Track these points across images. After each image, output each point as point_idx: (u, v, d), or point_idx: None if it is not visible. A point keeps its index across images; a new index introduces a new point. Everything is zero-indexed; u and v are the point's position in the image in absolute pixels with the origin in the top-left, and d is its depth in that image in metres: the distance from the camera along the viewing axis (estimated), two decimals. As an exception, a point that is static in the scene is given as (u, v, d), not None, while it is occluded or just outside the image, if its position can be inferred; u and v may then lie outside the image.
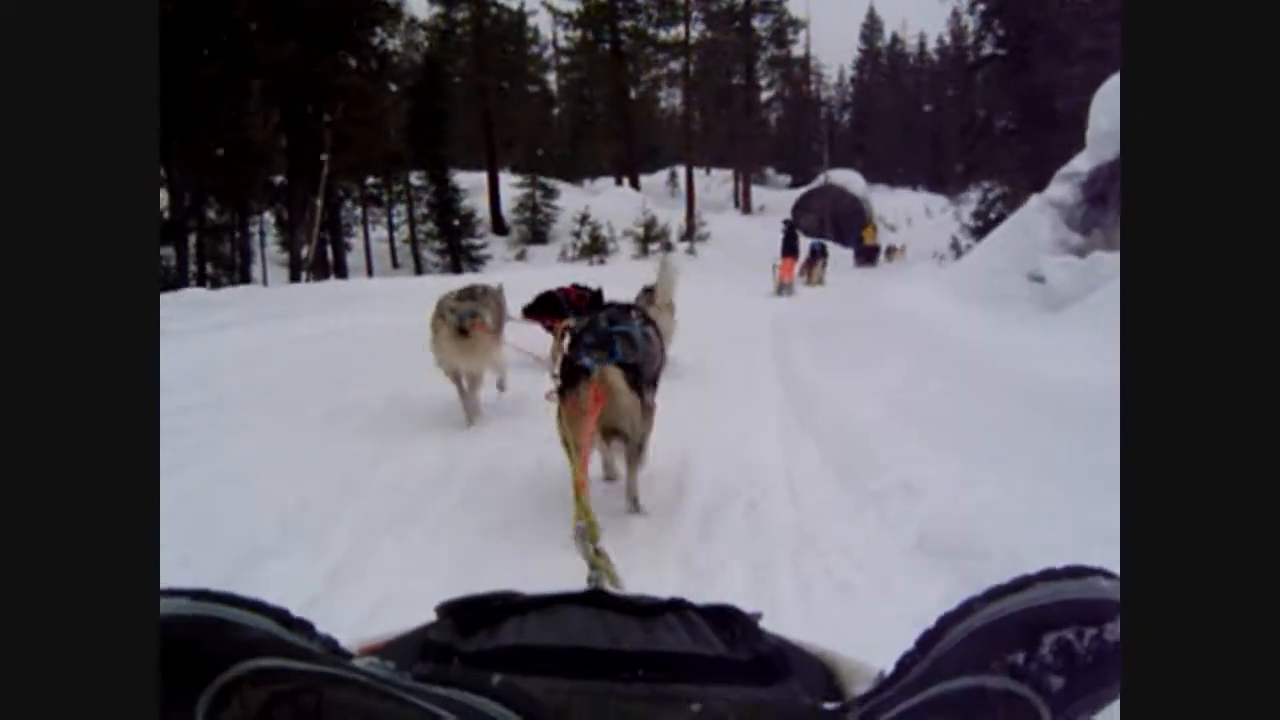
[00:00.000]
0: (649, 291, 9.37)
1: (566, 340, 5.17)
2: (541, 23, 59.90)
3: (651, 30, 50.16)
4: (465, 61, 46.44)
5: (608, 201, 42.24)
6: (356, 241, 39.61)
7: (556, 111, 58.72)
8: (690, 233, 40.40)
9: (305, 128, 29.52)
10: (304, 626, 0.87)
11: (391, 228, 42.19)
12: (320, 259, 31.34)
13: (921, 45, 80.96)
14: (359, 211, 40.29)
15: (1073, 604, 0.83)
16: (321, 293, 17.29)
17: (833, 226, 42.63)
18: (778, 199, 53.19)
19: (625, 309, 5.43)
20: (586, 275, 12.60)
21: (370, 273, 36.84)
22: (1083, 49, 28.39)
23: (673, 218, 40.83)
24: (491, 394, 7.47)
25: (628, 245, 36.61)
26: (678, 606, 1.12)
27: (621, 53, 50.05)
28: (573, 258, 35.33)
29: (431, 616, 1.14)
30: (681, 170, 50.80)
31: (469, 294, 7.25)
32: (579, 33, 51.86)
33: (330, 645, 0.89)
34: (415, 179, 41.09)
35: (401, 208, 41.97)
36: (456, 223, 38.82)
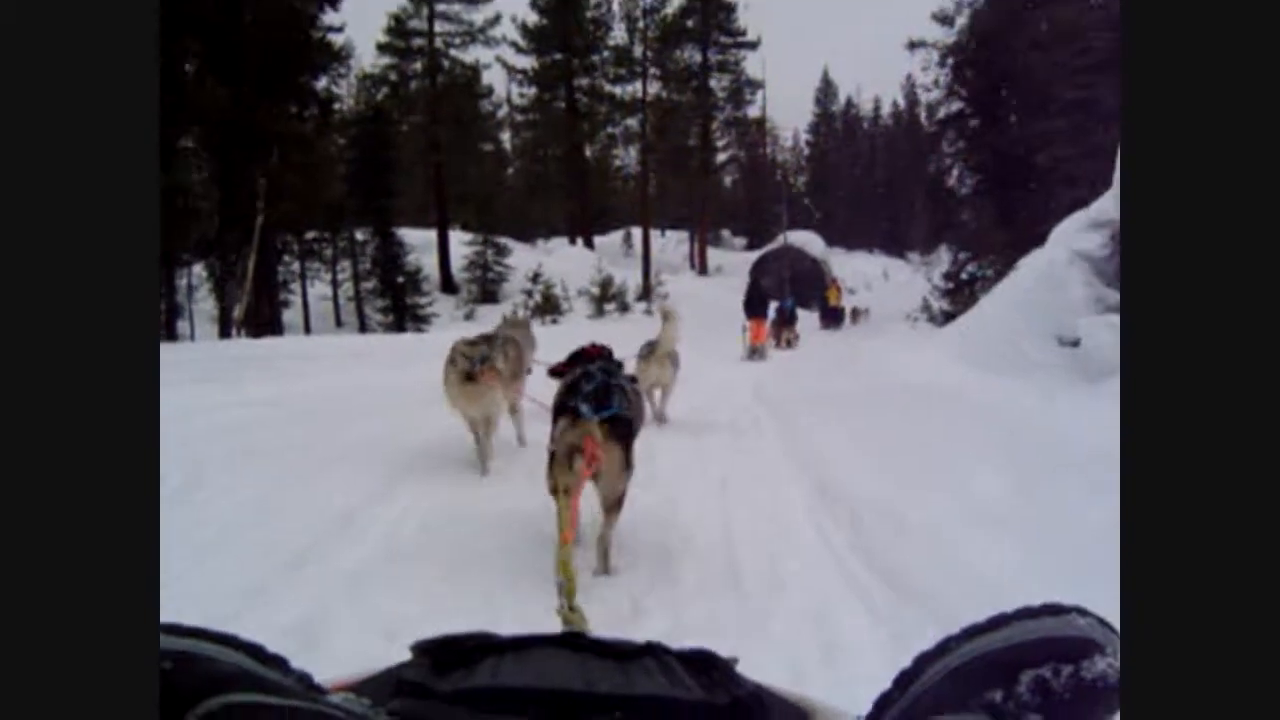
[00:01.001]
0: (651, 345, 9.24)
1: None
2: (496, 79, 57.89)
3: (608, 88, 49.08)
4: (417, 115, 44.45)
5: (561, 261, 40.69)
6: (297, 297, 36.78)
7: (511, 171, 56.79)
8: (648, 293, 38.52)
9: (239, 176, 26.86)
10: (278, 661, 0.84)
11: (335, 284, 39.40)
12: (256, 315, 28.75)
13: (876, 109, 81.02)
14: (297, 266, 37.39)
15: (1050, 641, 0.81)
16: (252, 352, 14.87)
17: (792, 288, 40.55)
18: (734, 261, 52.18)
19: (616, 362, 5.40)
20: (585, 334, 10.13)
21: (308, 330, 34.10)
22: (1063, 101, 26.65)
23: (628, 278, 39.13)
24: (509, 443, 7.56)
25: (582, 305, 34.44)
26: (654, 650, 1.10)
27: (577, 110, 48.91)
28: (524, 318, 32.85)
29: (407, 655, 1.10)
30: (636, 231, 49.86)
31: (486, 338, 7.24)
32: (534, 90, 50.54)
33: (305, 681, 0.85)
34: (361, 234, 38.81)
35: (346, 263, 39.33)
36: (401, 279, 36.25)
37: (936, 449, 7.08)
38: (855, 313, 36.20)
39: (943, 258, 31.84)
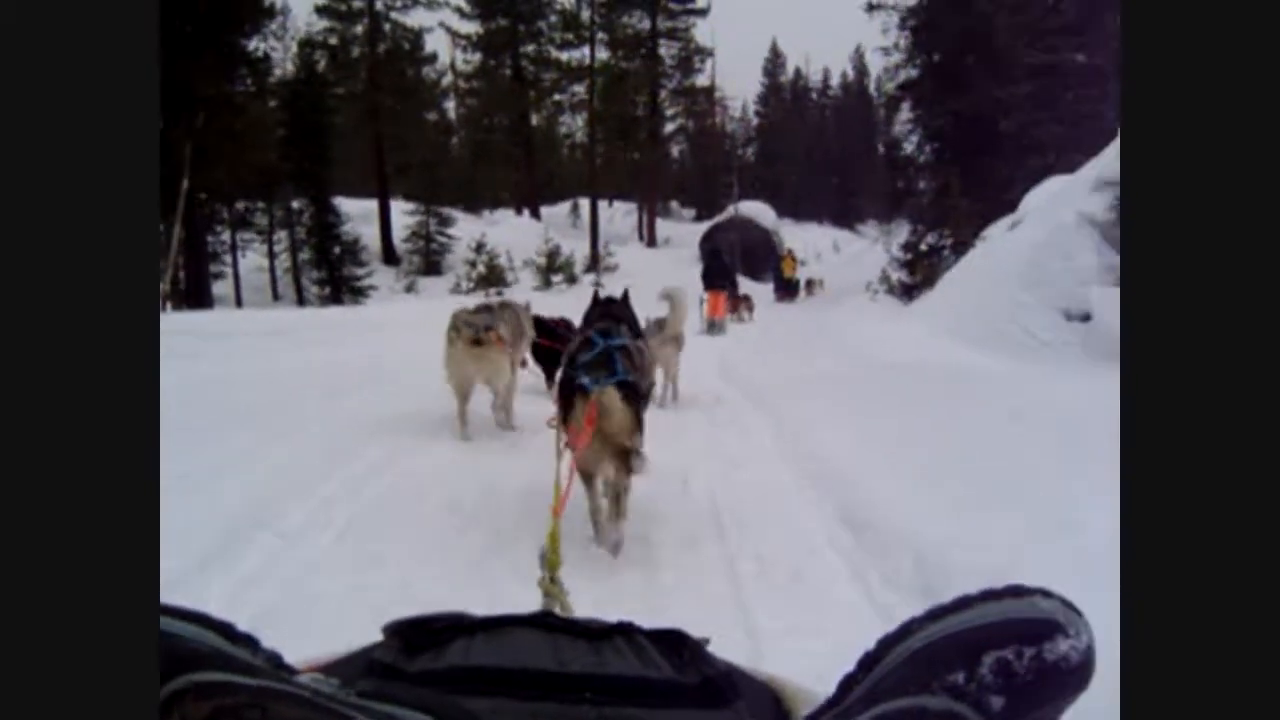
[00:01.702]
0: (660, 323, 8.89)
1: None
2: (440, 45, 55.77)
3: (555, 53, 47.37)
4: (357, 81, 41.94)
5: (507, 231, 38.75)
6: (230, 269, 34.52)
7: (456, 140, 54.65)
8: (596, 264, 36.82)
9: (161, 139, 24.61)
10: (248, 641, 0.86)
11: (272, 255, 37.06)
12: (184, 287, 26.67)
13: (825, 80, 79.78)
14: (227, 237, 35.00)
15: (1012, 623, 0.82)
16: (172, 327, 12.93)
17: (743, 259, 38.95)
18: (683, 231, 50.91)
19: (616, 322, 5.07)
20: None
21: (240, 303, 31.94)
22: (1029, 65, 25.25)
23: (576, 249, 37.40)
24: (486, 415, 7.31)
25: (528, 276, 32.56)
26: (626, 630, 1.10)
27: (523, 78, 47.33)
28: (468, 289, 31.07)
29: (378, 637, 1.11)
30: (584, 202, 48.18)
31: (485, 308, 7.37)
32: (479, 56, 48.81)
33: (274, 660, 0.87)
34: (298, 204, 36.50)
35: (284, 234, 37.03)
36: (338, 250, 34.09)
37: (974, 450, 5.49)
38: (810, 284, 34.64)
39: (902, 227, 30.28)
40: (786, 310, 28.00)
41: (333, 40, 41.55)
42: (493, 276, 31.45)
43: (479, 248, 32.42)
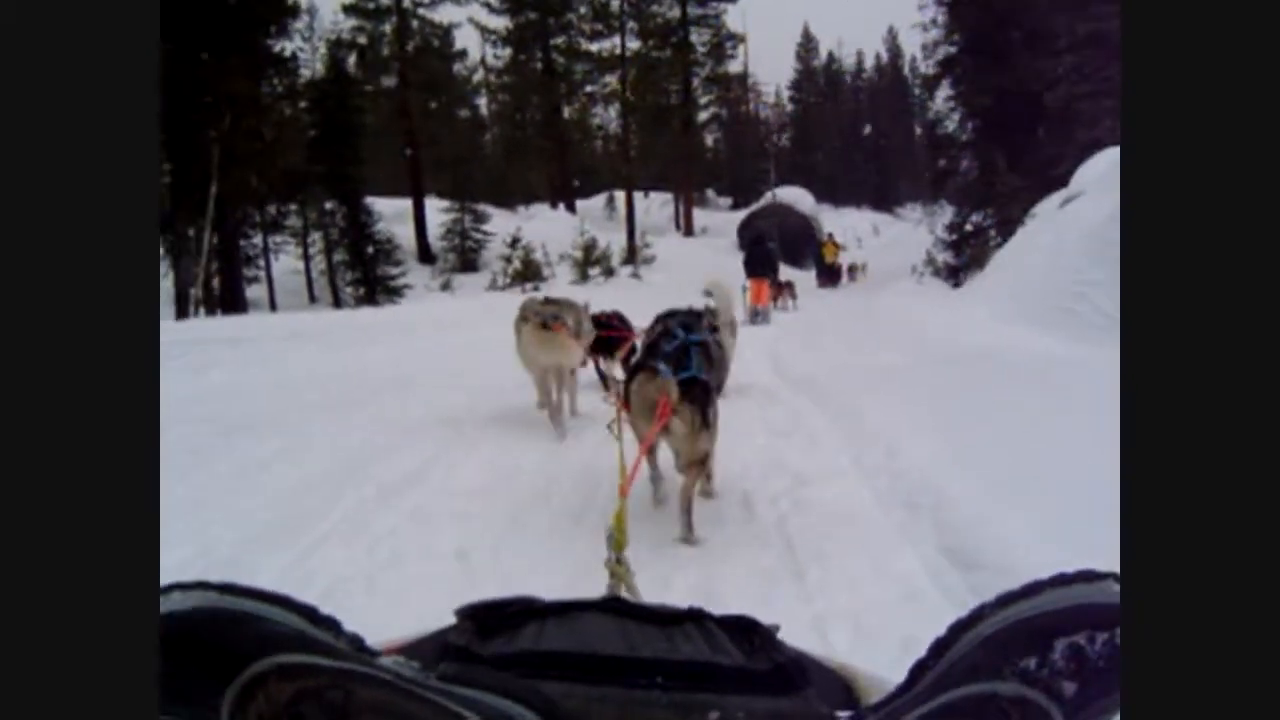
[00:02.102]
0: (711, 313, 7.93)
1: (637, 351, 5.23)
2: (470, 42, 55.06)
3: (585, 45, 46.39)
4: (387, 79, 41.25)
5: (542, 225, 37.96)
6: (263, 273, 33.90)
7: (489, 137, 53.89)
8: (633, 256, 35.73)
9: (189, 143, 24.02)
10: (331, 623, 0.84)
11: (307, 257, 36.39)
12: (217, 291, 26.09)
13: (859, 63, 78.45)
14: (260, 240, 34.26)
15: (1085, 609, 0.80)
16: (205, 332, 12.44)
17: (782, 246, 37.95)
18: (720, 220, 50.02)
19: (696, 315, 5.21)
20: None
21: (274, 307, 31.27)
22: (1073, 36, 24.07)
23: (612, 241, 36.38)
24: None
25: (565, 270, 31.72)
26: (697, 616, 1.10)
27: (554, 71, 46.40)
28: (504, 285, 30.31)
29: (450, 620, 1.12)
30: (619, 194, 47.46)
31: (552, 302, 7.47)
32: (509, 51, 47.92)
33: (356, 643, 0.85)
34: (332, 205, 35.56)
35: (317, 235, 36.31)
36: (371, 250, 33.34)
37: (1085, 461, 4.51)
38: (852, 269, 33.60)
39: (945, 209, 29.20)
40: (830, 296, 27.00)
41: (361, 39, 40.72)
42: (529, 271, 30.64)
43: (514, 242, 31.64)
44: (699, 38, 47.98)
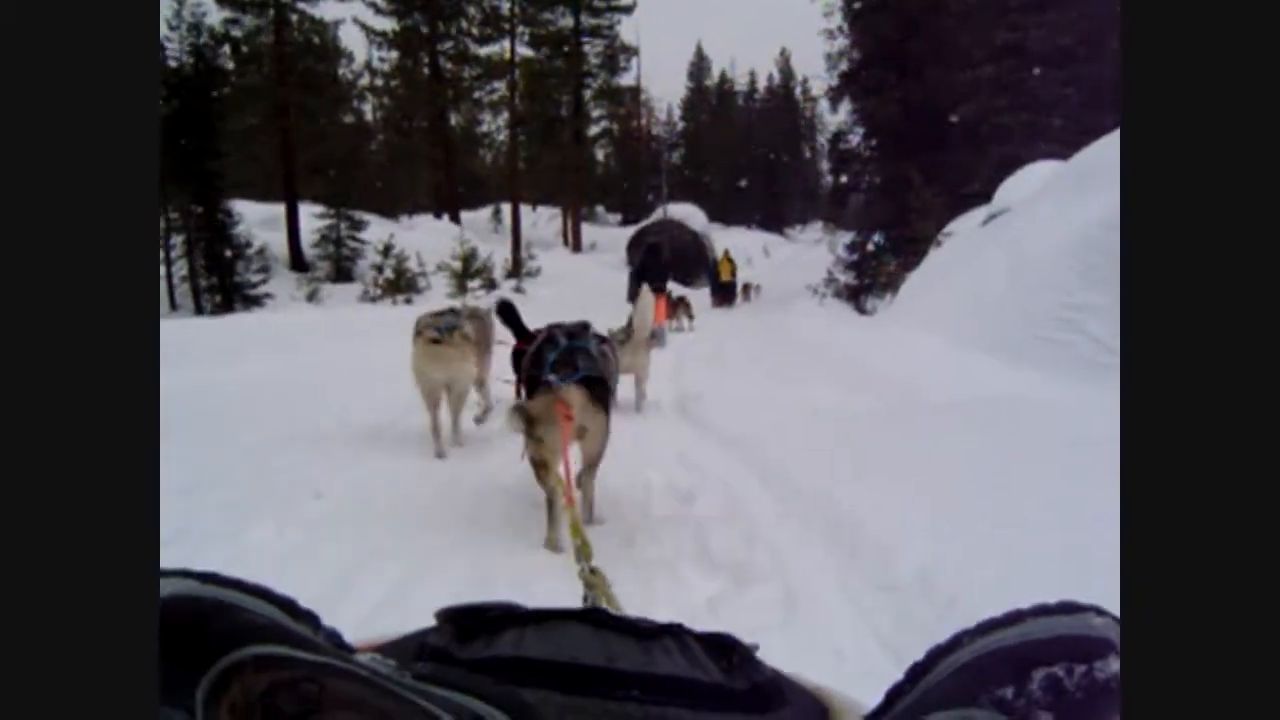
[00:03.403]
0: (627, 329, 8.69)
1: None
2: (356, 45, 51.83)
3: (474, 48, 43.74)
4: (260, 74, 37.58)
5: (423, 236, 35.02)
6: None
7: (374, 146, 50.44)
8: (517, 269, 32.85)
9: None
10: (309, 617, 0.82)
11: (168, 260, 32.45)
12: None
13: (751, 83, 77.03)
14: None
15: (1064, 640, 0.76)
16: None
17: (673, 263, 35.63)
18: (609, 236, 48.49)
19: (582, 325, 5.19)
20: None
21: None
22: (991, 46, 22.15)
23: (497, 253, 33.89)
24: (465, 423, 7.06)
25: (442, 282, 28.64)
26: (675, 631, 1.07)
27: (441, 76, 43.66)
28: (375, 296, 27.26)
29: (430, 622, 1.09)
30: (507, 206, 44.92)
31: (451, 311, 7.08)
32: (395, 54, 45.11)
33: (334, 638, 0.84)
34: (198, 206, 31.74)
35: (179, 238, 32.40)
36: (229, 254, 29.74)
37: None
38: (746, 288, 31.25)
39: (845, 228, 27.16)
40: (728, 316, 24.33)
41: (236, 31, 37.06)
42: (401, 282, 27.65)
43: (386, 251, 28.57)
44: (592, 48, 46.04)
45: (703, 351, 13.07)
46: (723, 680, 0.95)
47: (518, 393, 7.27)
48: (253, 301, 28.17)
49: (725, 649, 1.01)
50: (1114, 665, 0.73)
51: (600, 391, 4.51)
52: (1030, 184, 13.44)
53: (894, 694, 0.83)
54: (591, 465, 4.73)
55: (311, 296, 28.81)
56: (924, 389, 7.48)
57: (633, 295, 17.81)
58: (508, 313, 7.53)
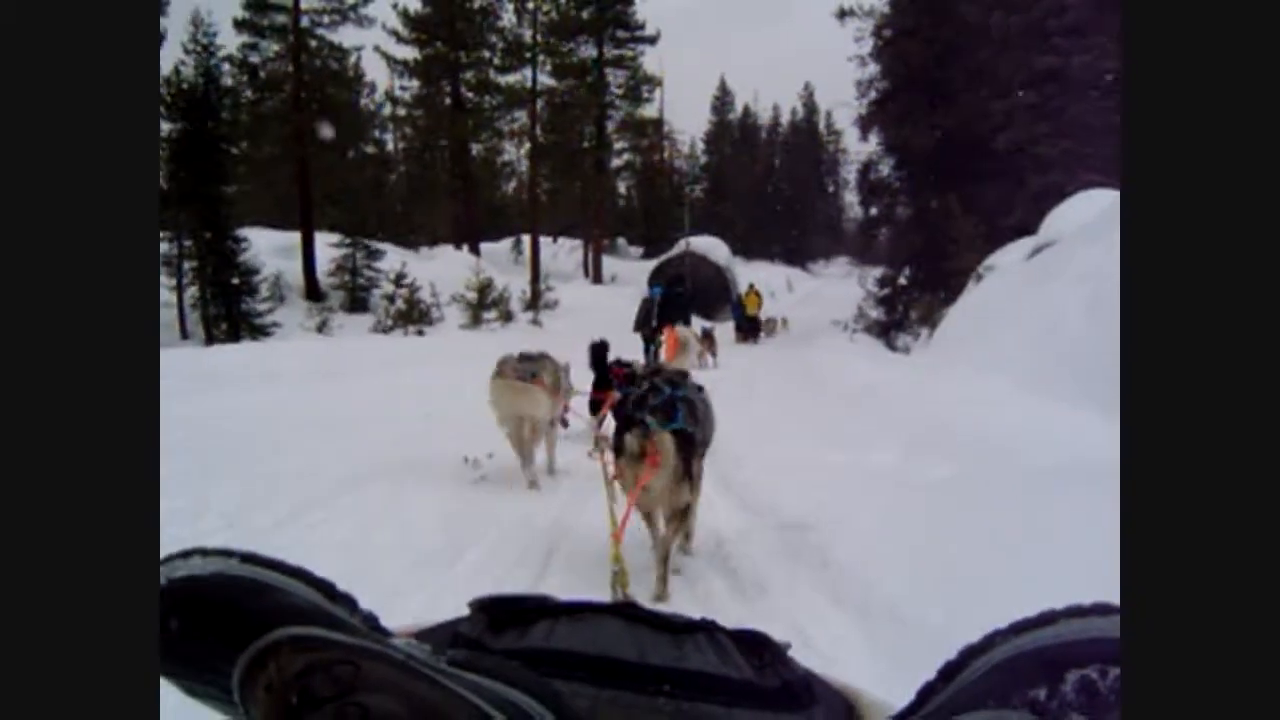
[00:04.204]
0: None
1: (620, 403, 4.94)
2: (378, 74, 50.92)
3: (495, 77, 42.58)
4: (280, 101, 36.30)
5: (442, 266, 33.56)
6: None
7: (394, 177, 49.32)
8: (535, 301, 31.34)
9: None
10: (347, 600, 0.85)
11: (180, 288, 31.08)
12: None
13: (775, 117, 76.28)
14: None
15: (1098, 642, 0.76)
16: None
17: (695, 297, 34.14)
18: (630, 269, 46.94)
19: (682, 373, 5.17)
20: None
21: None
22: (1030, 71, 20.73)
23: (515, 284, 32.59)
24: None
25: (456, 314, 27.26)
26: (708, 628, 1.05)
27: (463, 105, 42.45)
28: (387, 327, 25.90)
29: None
30: (527, 237, 43.92)
31: (528, 357, 7.05)
32: (417, 83, 44.16)
33: (371, 622, 0.85)
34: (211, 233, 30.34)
35: (189, 266, 31.04)
36: (236, 281, 28.34)
37: None
38: (770, 323, 29.67)
39: (876, 261, 25.71)
40: (753, 352, 22.71)
41: (254, 58, 35.92)
42: (414, 313, 26.26)
43: (398, 280, 27.20)
44: (614, 79, 44.89)
45: (732, 393, 11.59)
46: (754, 678, 0.93)
47: (596, 437, 7.59)
48: (259, 331, 26.79)
49: (757, 646, 0.99)
50: None
51: (686, 444, 4.35)
52: (1081, 214, 12.24)
53: (926, 692, 0.82)
54: (670, 521, 4.47)
55: (321, 327, 27.42)
56: (1009, 449, 5.90)
57: (639, 325, 16.49)
58: (598, 354, 7.76)
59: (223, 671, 0.72)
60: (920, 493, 5.03)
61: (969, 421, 6.73)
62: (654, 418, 4.36)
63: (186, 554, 0.79)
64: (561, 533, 5.23)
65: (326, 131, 33.53)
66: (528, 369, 6.67)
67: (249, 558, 0.79)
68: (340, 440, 7.63)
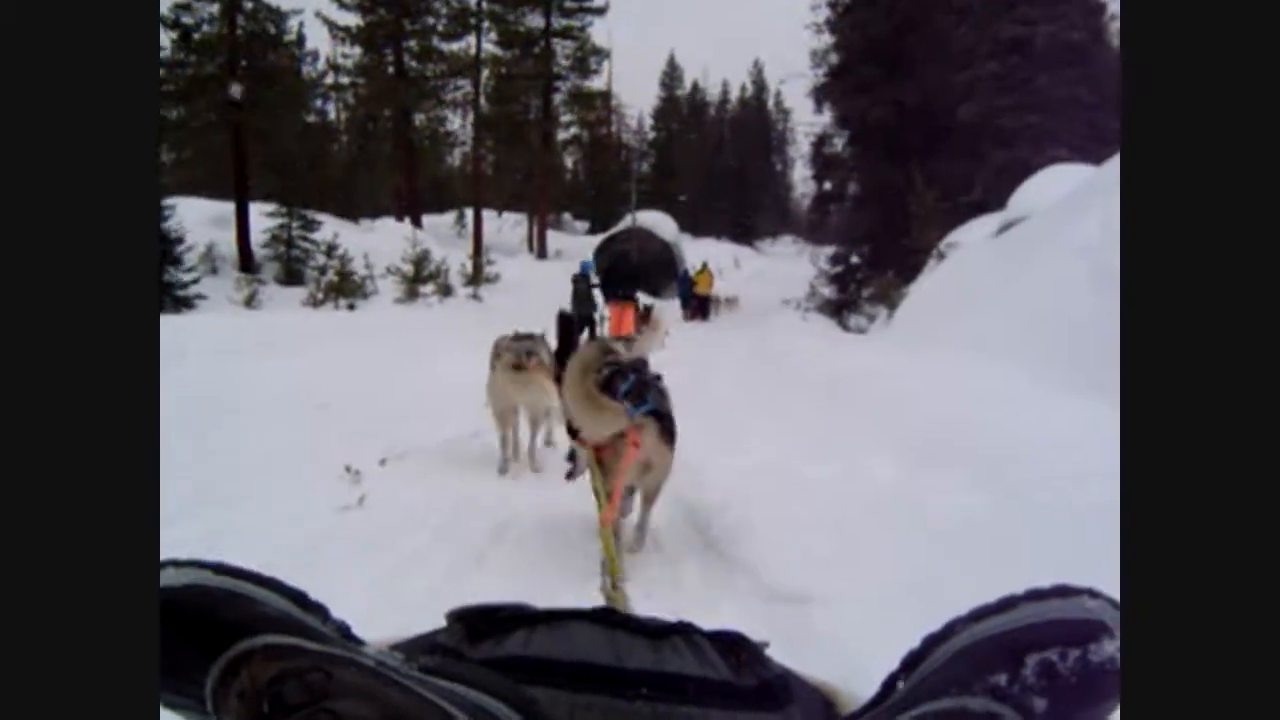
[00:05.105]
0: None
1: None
2: (320, 41, 48.98)
3: (439, 44, 40.71)
4: (215, 66, 34.08)
5: (381, 238, 31.89)
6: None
7: (336, 147, 47.37)
8: (476, 276, 29.77)
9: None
10: (319, 609, 0.84)
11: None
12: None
13: (724, 94, 75.34)
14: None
15: (1057, 624, 0.76)
16: None
17: (640, 272, 32.75)
18: (576, 244, 45.39)
19: (641, 360, 4.99)
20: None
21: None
22: (994, 42, 19.56)
23: (456, 258, 30.99)
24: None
25: (390, 287, 25.77)
26: (685, 630, 1.04)
27: (406, 74, 40.49)
28: (318, 301, 24.26)
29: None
30: (471, 211, 42.18)
31: (526, 336, 6.99)
32: (359, 51, 41.87)
33: (343, 630, 0.85)
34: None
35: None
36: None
37: None
38: (721, 301, 28.39)
39: (827, 239, 24.55)
40: (705, 332, 21.33)
41: (187, 19, 33.77)
42: (346, 286, 24.61)
43: (329, 251, 25.54)
44: (562, 49, 43.21)
45: (686, 383, 10.17)
46: (730, 677, 0.93)
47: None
48: (182, 303, 24.94)
49: (734, 647, 0.99)
50: (1109, 647, 0.71)
51: (669, 426, 4.35)
52: (1051, 190, 11.39)
53: (891, 682, 0.82)
54: (649, 499, 4.54)
55: (250, 300, 25.62)
56: (1035, 460, 4.56)
57: (576, 302, 15.00)
58: (565, 325, 7.65)
59: (196, 681, 0.71)
60: (952, 539, 3.72)
61: (975, 421, 5.38)
62: (627, 401, 4.20)
63: (160, 566, 0.78)
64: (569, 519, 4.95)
65: (235, 91, 31.65)
66: (524, 348, 6.52)
67: (221, 568, 0.78)
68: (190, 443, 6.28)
